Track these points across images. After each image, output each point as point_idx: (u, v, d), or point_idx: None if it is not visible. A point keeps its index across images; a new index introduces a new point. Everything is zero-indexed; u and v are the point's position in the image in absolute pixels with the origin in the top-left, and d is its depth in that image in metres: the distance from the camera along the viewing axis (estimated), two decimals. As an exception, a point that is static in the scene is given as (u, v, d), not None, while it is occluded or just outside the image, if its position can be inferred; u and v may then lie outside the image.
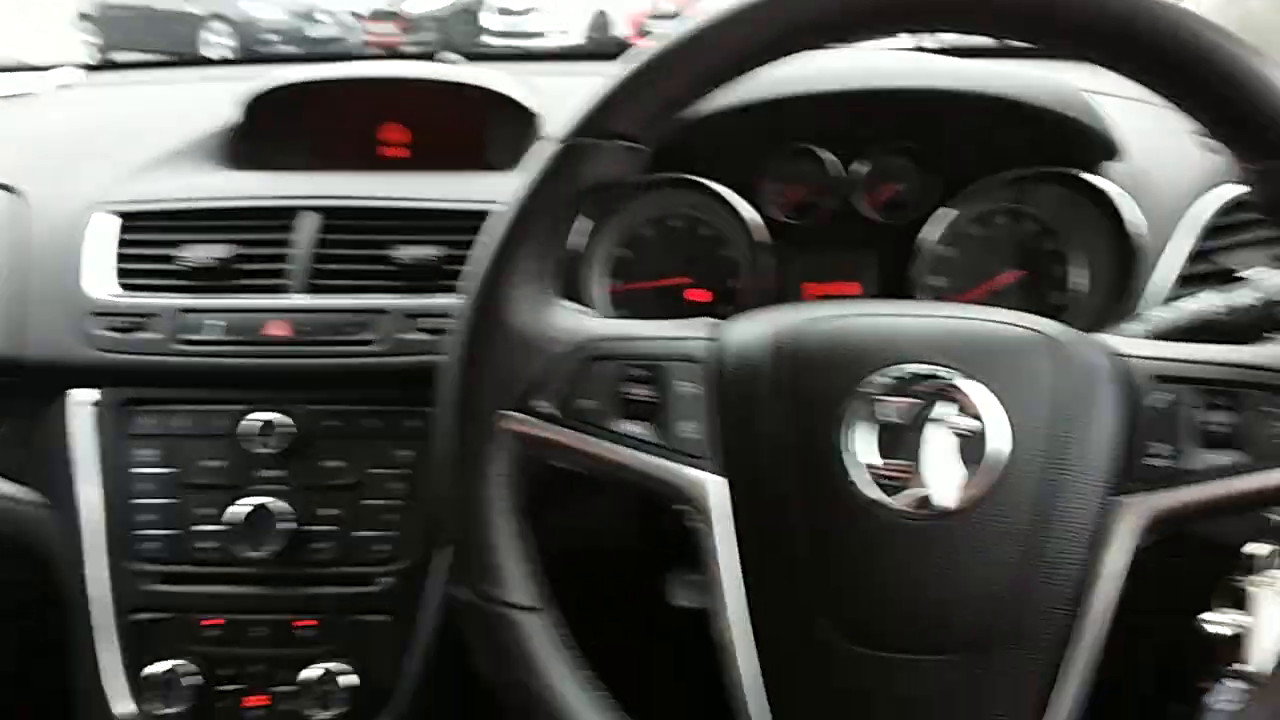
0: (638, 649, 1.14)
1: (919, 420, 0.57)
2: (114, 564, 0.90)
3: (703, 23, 0.58)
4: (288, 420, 0.88)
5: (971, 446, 0.56)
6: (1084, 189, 0.92)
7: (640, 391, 0.61)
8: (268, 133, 1.11)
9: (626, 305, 1.00)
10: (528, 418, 0.60)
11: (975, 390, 0.57)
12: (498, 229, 0.61)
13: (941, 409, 0.57)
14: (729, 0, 0.58)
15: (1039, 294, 0.96)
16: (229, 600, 0.90)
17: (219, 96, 1.12)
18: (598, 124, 0.60)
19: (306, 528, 0.89)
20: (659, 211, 0.99)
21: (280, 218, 0.95)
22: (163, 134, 1.10)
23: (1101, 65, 0.57)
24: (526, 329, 0.60)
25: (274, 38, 9.93)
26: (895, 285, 0.97)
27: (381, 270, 0.92)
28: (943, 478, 0.56)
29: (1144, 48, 0.55)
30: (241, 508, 0.87)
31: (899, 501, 0.56)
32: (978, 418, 0.57)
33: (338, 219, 0.94)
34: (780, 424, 0.59)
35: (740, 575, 0.59)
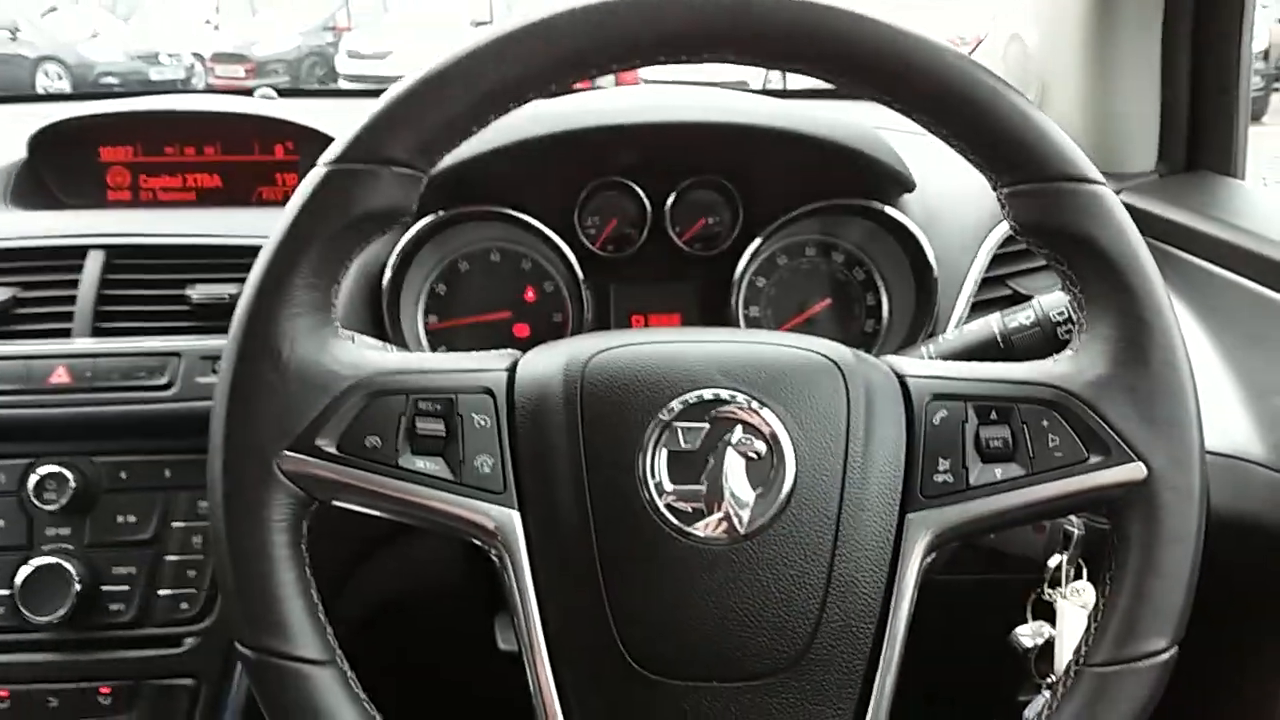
0: (471, 696, 1.11)
1: (712, 445, 0.57)
2: None
3: (476, 43, 0.57)
4: (76, 473, 0.82)
5: (762, 470, 0.57)
6: (884, 221, 0.96)
7: (431, 426, 0.59)
8: (55, 171, 1.05)
9: (445, 342, 0.98)
10: (308, 458, 0.57)
11: (765, 414, 0.58)
12: (264, 256, 0.58)
13: (734, 434, 0.57)
14: (508, 22, 0.57)
15: (852, 321, 1.00)
16: (19, 669, 0.84)
17: (4, 133, 1.06)
18: (367, 148, 0.57)
19: (103, 587, 0.83)
20: (477, 244, 0.98)
21: (62, 257, 0.89)
22: None
23: (867, 96, 0.60)
24: (304, 362, 0.57)
25: (112, 80, 9.52)
26: (716, 316, 0.99)
27: (173, 311, 0.88)
28: (734, 502, 0.57)
29: (893, 78, 0.57)
30: (29, 569, 0.80)
31: (695, 527, 0.56)
32: (768, 441, 0.57)
33: (124, 258, 0.89)
34: (574, 453, 0.58)
35: (538, 620, 0.58)
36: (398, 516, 0.60)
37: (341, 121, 1.04)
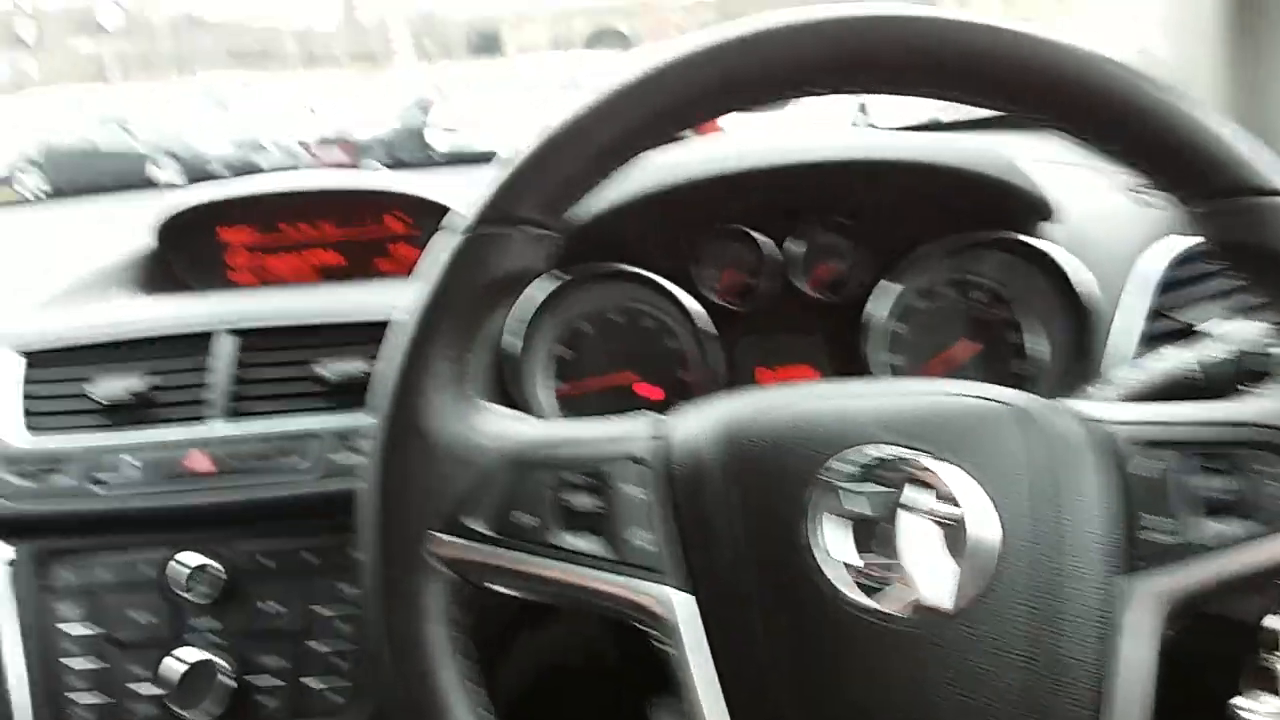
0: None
1: (889, 509, 0.52)
2: None
3: (599, 96, 0.55)
4: (223, 563, 0.82)
5: (955, 536, 0.51)
6: (1026, 252, 0.90)
7: (584, 501, 0.56)
8: (181, 255, 1.07)
9: (575, 408, 0.96)
10: (459, 539, 0.55)
11: (948, 471, 0.52)
12: (403, 332, 0.56)
13: (914, 494, 0.52)
14: (624, 73, 0.55)
15: (998, 364, 0.94)
16: None
17: (132, 221, 1.09)
18: (500, 210, 0.56)
19: (249, 680, 0.82)
20: (597, 306, 0.96)
21: (195, 343, 0.90)
22: (72, 265, 1.06)
23: (1021, 118, 0.55)
24: (449, 438, 0.55)
25: (224, 171, 9.99)
26: (849, 365, 0.94)
27: (307, 391, 0.87)
28: (930, 574, 0.51)
29: (1070, 100, 0.53)
30: (176, 664, 0.80)
31: (885, 604, 0.51)
32: (955, 502, 0.52)
33: (256, 339, 0.90)
34: (736, 524, 0.54)
35: (721, 701, 0.53)
36: (554, 600, 0.57)
37: (446, 190, 1.06)
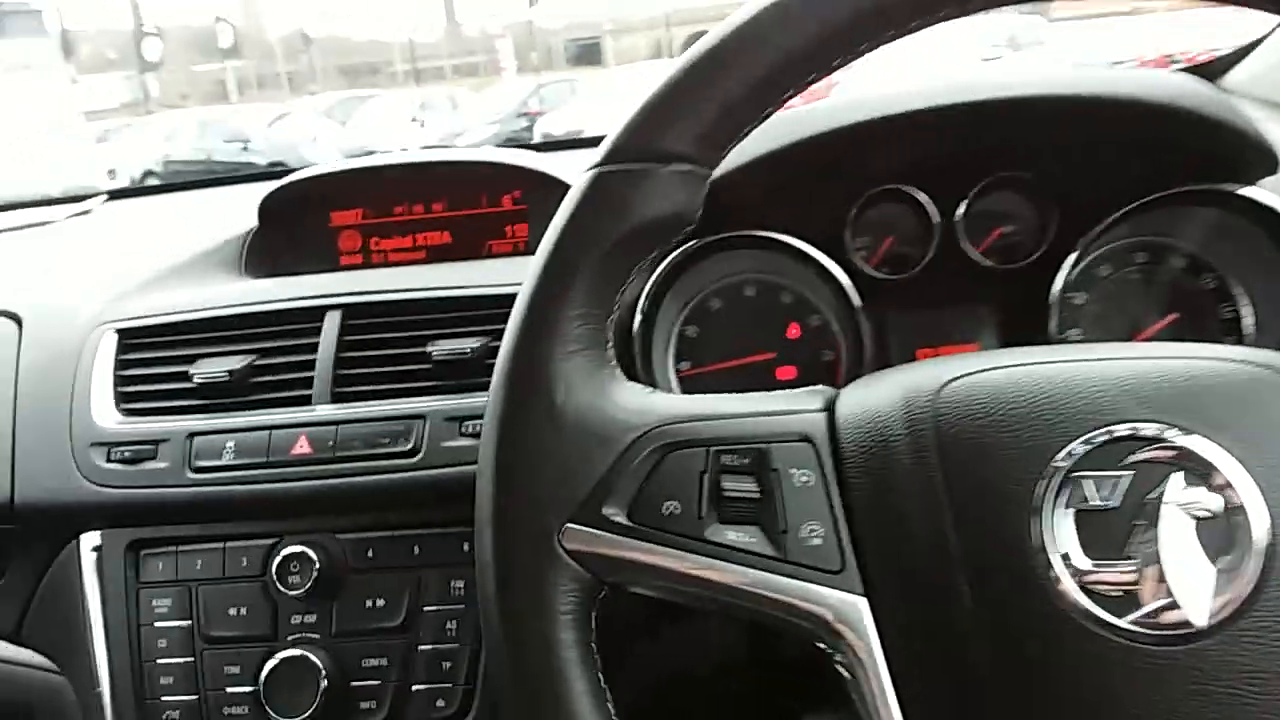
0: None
1: (1139, 502, 0.41)
2: None
3: (757, 11, 0.46)
4: (321, 552, 0.75)
5: (1217, 534, 0.41)
6: (1245, 209, 0.76)
7: (740, 486, 0.46)
8: (288, 238, 1.01)
9: (700, 393, 0.86)
10: (595, 530, 0.46)
11: (1215, 454, 0.41)
12: (530, 285, 0.47)
13: (1170, 486, 0.41)
14: None
15: (1203, 341, 0.80)
16: None
17: (239, 207, 1.04)
18: (645, 142, 0.47)
19: (352, 683, 0.75)
20: (728, 278, 0.85)
21: (297, 320, 0.83)
22: (174, 248, 1.01)
23: None
24: (584, 412, 0.46)
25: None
26: (1022, 344, 0.81)
27: (415, 371, 0.80)
28: (1189, 581, 0.40)
29: None
30: (275, 663, 0.73)
31: (1128, 620, 0.40)
32: (1220, 494, 0.41)
33: (361, 317, 0.83)
34: (935, 517, 0.43)
35: None
36: (704, 605, 0.47)
37: (564, 167, 0.98)
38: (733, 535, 0.46)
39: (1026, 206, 0.82)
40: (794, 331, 0.85)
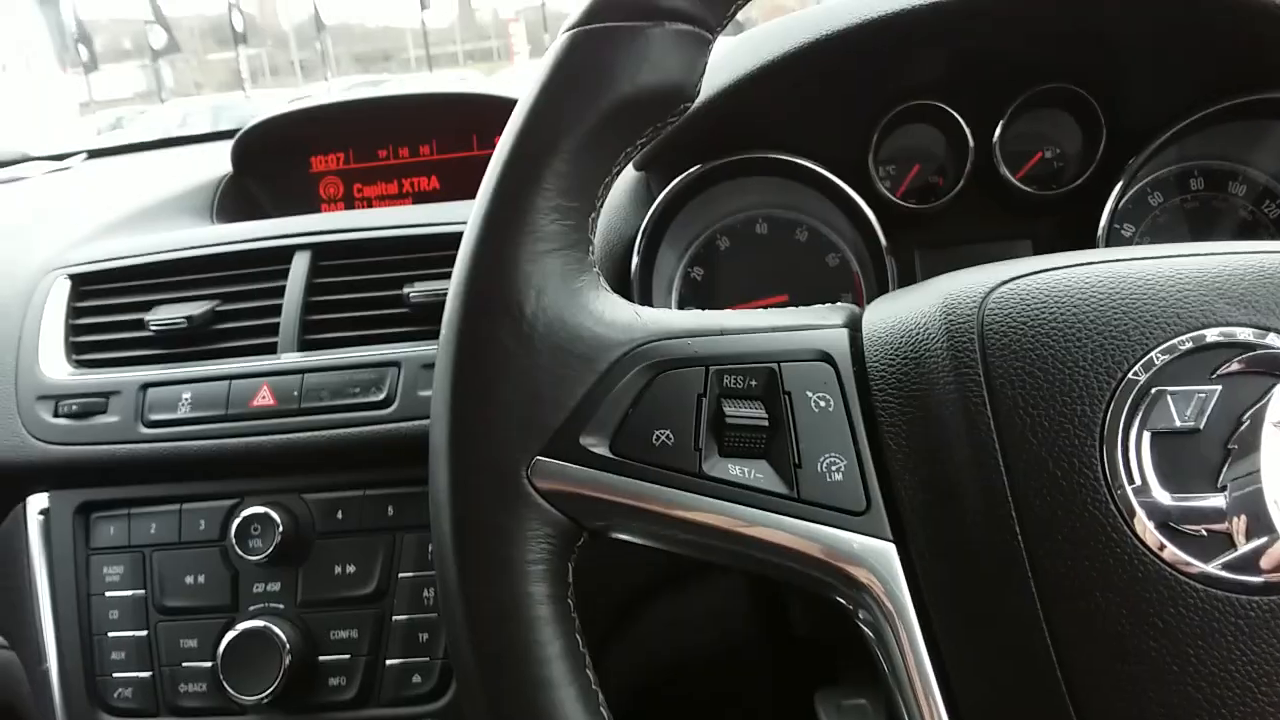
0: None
1: (1232, 423, 0.34)
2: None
3: None
4: (284, 514, 0.68)
5: None
6: None
7: (745, 412, 0.39)
8: (261, 183, 0.94)
9: None
10: (571, 465, 0.38)
11: None
12: (495, 169, 0.39)
13: (1276, 401, 0.34)
14: None
15: None
16: None
17: (221, 161, 0.97)
18: None
19: (320, 658, 0.67)
20: (737, 214, 0.77)
21: (263, 262, 0.76)
22: (143, 196, 0.93)
23: None
24: (557, 324, 0.38)
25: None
26: None
27: (390, 316, 0.72)
28: None
29: None
30: (234, 635, 0.66)
31: (1217, 564, 0.33)
32: None
33: (332, 258, 0.75)
34: (981, 444, 0.36)
35: (940, 704, 0.36)
36: (702, 554, 0.40)
37: None
38: (736, 470, 0.38)
39: (1071, 126, 0.73)
40: (810, 272, 0.77)
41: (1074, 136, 0.73)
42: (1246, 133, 0.70)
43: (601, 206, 0.41)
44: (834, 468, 0.38)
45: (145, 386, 0.71)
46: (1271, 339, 0.34)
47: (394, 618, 0.68)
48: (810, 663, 0.68)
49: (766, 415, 0.39)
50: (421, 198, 0.99)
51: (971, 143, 0.71)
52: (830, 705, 0.59)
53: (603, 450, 0.38)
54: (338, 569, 0.68)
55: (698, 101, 0.67)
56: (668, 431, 0.39)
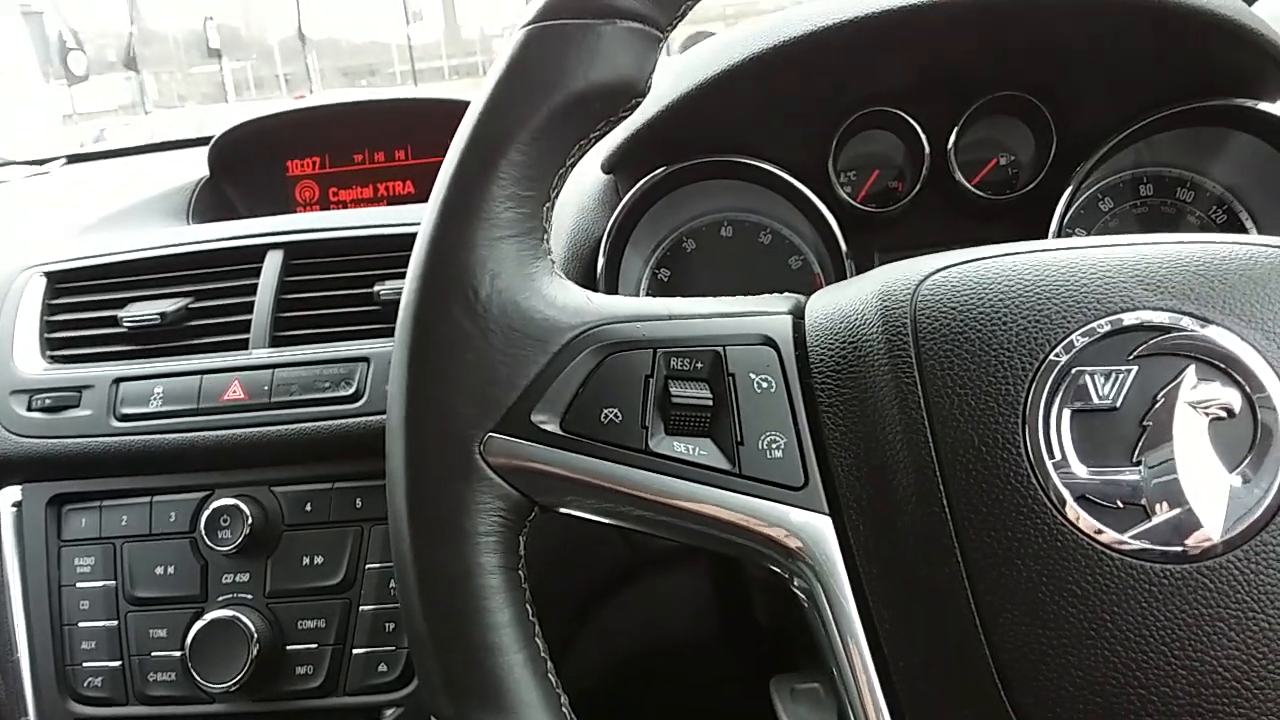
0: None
1: (1146, 402, 0.36)
2: (51, 710, 0.71)
3: None
4: (253, 506, 0.69)
5: (1235, 436, 0.35)
6: (1264, 130, 0.69)
7: (690, 393, 0.40)
8: (237, 186, 0.95)
9: None
10: (523, 442, 0.39)
11: (1234, 346, 0.36)
12: (453, 159, 0.41)
13: (1183, 382, 0.36)
14: None
15: None
16: None
17: (199, 167, 0.98)
18: None
19: (287, 647, 0.68)
20: (702, 217, 0.79)
21: (236, 261, 0.77)
22: (119, 199, 0.95)
23: None
24: (511, 307, 0.40)
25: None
26: None
27: (360, 313, 0.74)
28: (1203, 490, 0.35)
29: None
30: (203, 625, 0.67)
31: (1131, 535, 0.35)
32: (1241, 388, 0.35)
33: (304, 256, 0.77)
34: (912, 423, 0.38)
35: (872, 668, 0.37)
36: (648, 527, 0.41)
37: None
38: (681, 447, 0.40)
39: (1024, 133, 0.75)
40: (773, 275, 0.79)
41: (1027, 143, 0.75)
42: (1196, 140, 0.73)
43: (557, 197, 0.43)
44: (774, 445, 0.40)
45: (118, 381, 0.72)
46: (1186, 323, 0.36)
47: (360, 608, 0.69)
48: (773, 652, 0.70)
49: (711, 395, 0.40)
50: (396, 202, 1.01)
51: (928, 149, 0.74)
52: (784, 689, 0.60)
53: (553, 427, 0.40)
54: (306, 560, 0.69)
55: (663, 105, 0.69)
56: (616, 410, 0.40)
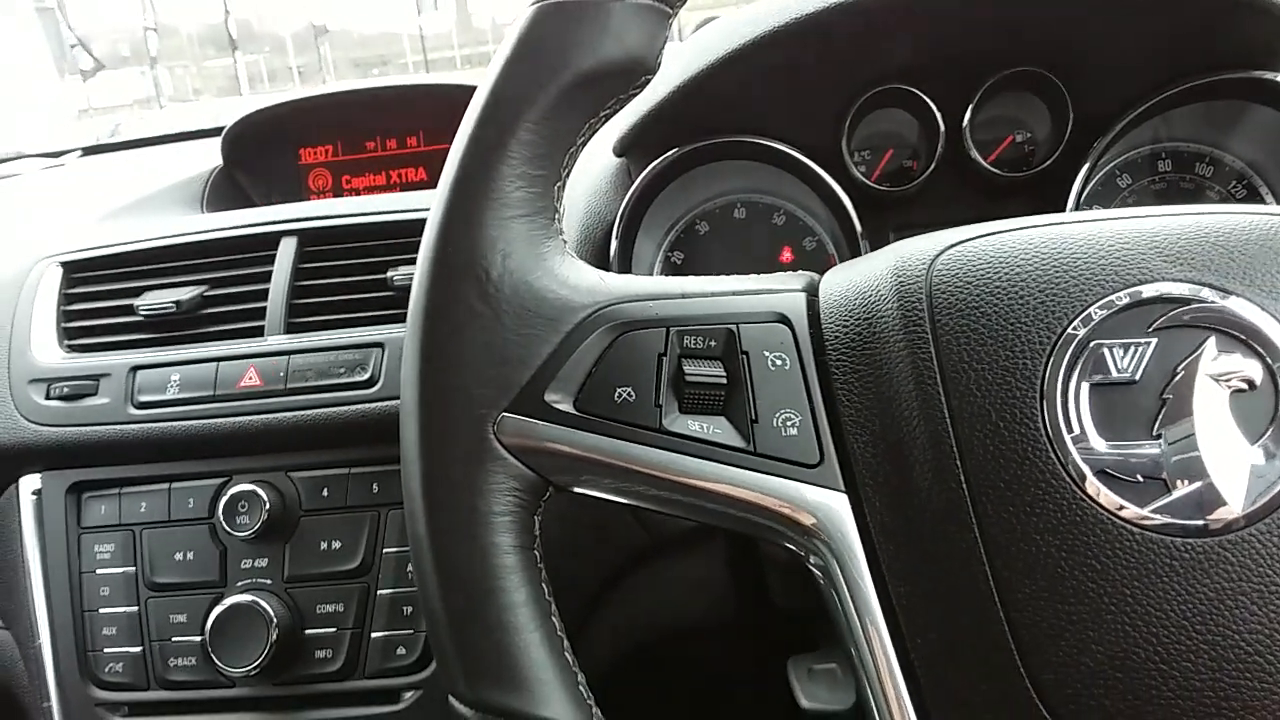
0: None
1: (1166, 375, 0.36)
2: (72, 695, 0.71)
3: None
4: (271, 491, 0.69)
5: (1257, 408, 0.35)
6: None
7: (705, 371, 0.40)
8: (250, 175, 0.96)
9: None
10: (537, 421, 0.39)
11: (1256, 317, 0.35)
12: (463, 139, 0.41)
13: (1204, 355, 0.35)
14: None
15: None
16: None
17: (213, 157, 0.98)
18: None
19: (306, 631, 0.69)
20: (715, 199, 0.79)
21: (251, 248, 0.78)
22: (135, 190, 0.95)
23: None
24: (523, 287, 0.40)
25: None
26: None
27: (375, 299, 0.74)
28: (1223, 463, 0.35)
29: None
30: (223, 610, 0.67)
31: (1151, 510, 0.35)
32: (1263, 360, 0.35)
33: (319, 243, 0.77)
34: (928, 398, 0.37)
35: (889, 644, 0.37)
36: (663, 507, 0.41)
37: None
38: (695, 425, 0.40)
39: (1040, 109, 0.74)
40: (787, 256, 0.79)
41: (1043, 120, 0.75)
42: (1214, 115, 0.72)
43: (567, 176, 0.43)
44: (789, 423, 0.40)
45: (135, 369, 0.73)
46: (1206, 294, 0.36)
47: (378, 592, 0.69)
48: (791, 634, 0.70)
49: (725, 374, 0.40)
50: (409, 189, 1.01)
51: (943, 127, 0.73)
52: (802, 669, 0.60)
53: (567, 407, 0.40)
54: (323, 545, 0.70)
55: (674, 86, 0.69)
56: (629, 389, 0.40)
